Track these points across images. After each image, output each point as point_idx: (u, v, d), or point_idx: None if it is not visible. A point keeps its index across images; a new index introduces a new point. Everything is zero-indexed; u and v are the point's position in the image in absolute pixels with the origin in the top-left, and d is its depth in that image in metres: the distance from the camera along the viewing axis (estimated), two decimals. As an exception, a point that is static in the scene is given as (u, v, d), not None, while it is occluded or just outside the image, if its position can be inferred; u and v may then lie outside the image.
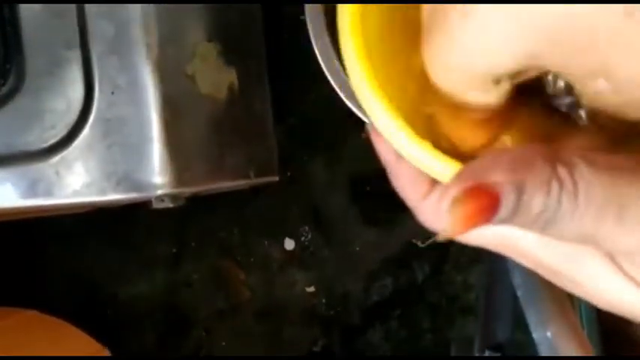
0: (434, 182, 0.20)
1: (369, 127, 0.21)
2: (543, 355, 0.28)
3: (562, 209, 0.15)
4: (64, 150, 0.38)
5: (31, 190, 0.39)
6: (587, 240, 0.16)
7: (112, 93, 0.38)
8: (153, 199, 0.41)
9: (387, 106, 0.19)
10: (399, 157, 0.20)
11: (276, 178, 0.56)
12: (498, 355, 0.42)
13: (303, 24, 0.40)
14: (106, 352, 0.58)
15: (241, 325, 0.62)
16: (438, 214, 0.20)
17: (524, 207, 0.15)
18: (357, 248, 0.62)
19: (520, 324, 0.52)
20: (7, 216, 0.45)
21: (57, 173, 0.38)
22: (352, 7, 0.19)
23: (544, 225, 0.15)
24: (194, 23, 0.41)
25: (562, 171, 0.15)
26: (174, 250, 0.61)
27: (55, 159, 0.38)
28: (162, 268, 0.61)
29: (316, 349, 0.62)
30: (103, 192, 0.39)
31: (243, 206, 0.62)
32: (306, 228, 0.62)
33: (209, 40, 0.42)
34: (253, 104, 0.48)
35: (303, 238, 0.62)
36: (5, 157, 0.37)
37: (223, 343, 0.62)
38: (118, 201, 0.39)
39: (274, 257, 0.62)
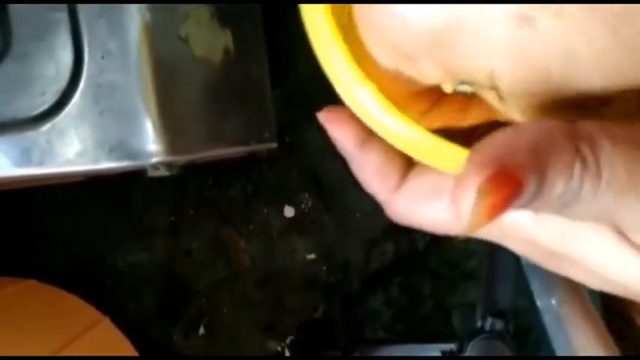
0: (404, 172, 0.19)
1: (321, 116, 0.19)
2: (547, 322, 0.27)
3: (583, 191, 0.14)
4: (54, 117, 0.37)
5: (23, 158, 0.38)
6: (602, 219, 0.15)
7: (102, 58, 0.37)
8: (148, 168, 0.40)
9: (358, 72, 0.17)
10: (363, 144, 0.18)
11: (275, 145, 0.54)
12: (501, 322, 0.42)
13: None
14: (106, 320, 0.58)
15: (242, 293, 0.61)
16: (411, 210, 0.19)
17: (545, 191, 0.13)
18: (358, 215, 0.61)
19: (523, 291, 0.52)
20: (0, 186, 0.44)
21: (48, 141, 0.37)
22: None
23: (561, 207, 0.14)
24: (186, -16, 0.39)
25: (585, 149, 0.14)
26: (172, 219, 0.61)
27: (46, 127, 0.37)
28: (161, 237, 0.61)
29: (317, 315, 0.62)
30: (96, 160, 0.38)
31: (241, 174, 0.61)
32: (306, 195, 0.61)
33: (203, 1, 0.41)
34: (250, 68, 0.47)
35: (302, 206, 0.61)
36: (-6, 125, 0.36)
37: (224, 310, 0.62)
38: (111, 169, 0.38)
39: (274, 225, 0.61)
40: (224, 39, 0.42)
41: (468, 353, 0.43)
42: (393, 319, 0.62)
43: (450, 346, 0.45)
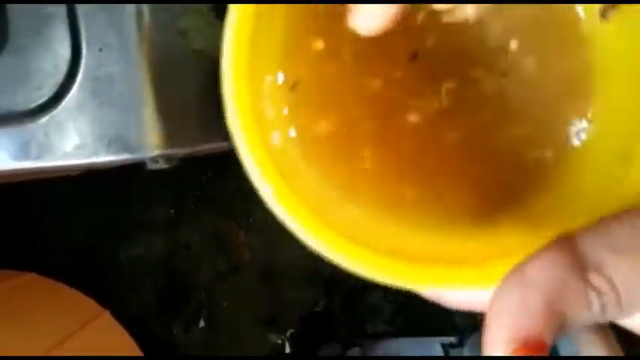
0: None
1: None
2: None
3: (608, 311, 0.14)
4: (52, 110, 0.37)
5: (20, 152, 0.37)
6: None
7: (100, 50, 0.36)
8: (147, 161, 0.39)
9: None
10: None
11: (274, 138, 0.54)
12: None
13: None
14: (107, 314, 0.58)
15: (242, 287, 0.61)
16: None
17: (570, 327, 0.14)
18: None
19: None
20: (-1, 179, 0.44)
21: (46, 135, 0.37)
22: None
23: (596, 320, 0.15)
24: (185, -24, 0.39)
25: (594, 278, 0.14)
26: (172, 212, 0.61)
27: (44, 120, 0.37)
28: (161, 230, 0.61)
29: (318, 309, 0.62)
30: (95, 153, 0.38)
31: (241, 167, 0.60)
32: (306, 189, 0.61)
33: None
34: (249, 61, 0.47)
35: (302, 199, 0.61)
36: (-8, 118, 0.36)
37: (224, 304, 0.62)
38: (110, 162, 0.38)
39: (274, 219, 0.61)
40: (222, 32, 0.42)
41: (468, 347, 0.43)
42: (393, 313, 0.62)
43: (450, 340, 0.45)
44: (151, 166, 0.40)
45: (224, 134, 0.46)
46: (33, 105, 0.37)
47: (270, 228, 0.61)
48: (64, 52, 0.36)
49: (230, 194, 0.61)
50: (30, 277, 0.56)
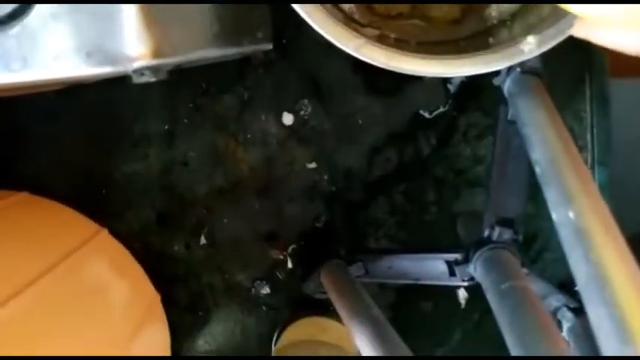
0: None
1: None
2: (563, 237, 0.25)
3: None
4: (23, 18, 0.33)
5: (-8, 65, 0.34)
6: None
7: (70, -52, 0.33)
8: (131, 73, 0.36)
9: None
10: None
11: (270, 46, 0.51)
12: (510, 232, 0.40)
13: None
14: (105, 232, 0.57)
15: (242, 203, 0.60)
16: None
17: None
18: (360, 121, 0.59)
19: (533, 199, 0.50)
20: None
21: (19, 46, 0.34)
22: None
23: None
24: None
25: None
26: (166, 128, 0.58)
27: (15, 29, 0.34)
28: (156, 146, 0.59)
29: (319, 224, 0.61)
30: (74, 66, 0.35)
31: (235, 79, 0.57)
32: (305, 101, 0.58)
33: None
34: (240, -39, 0.43)
35: (302, 112, 0.58)
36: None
37: (225, 221, 0.61)
38: (91, 76, 0.35)
39: (272, 133, 0.58)
40: None
41: (473, 263, 0.42)
42: (396, 227, 0.61)
43: (455, 256, 0.44)
44: (137, 79, 0.37)
45: (214, 41, 0.42)
46: (1, 13, 0.33)
47: (268, 143, 0.59)
48: (30, -50, 0.32)
49: (225, 108, 0.58)
50: (22, 196, 0.54)
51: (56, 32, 0.34)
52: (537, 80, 0.39)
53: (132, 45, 0.34)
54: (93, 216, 0.57)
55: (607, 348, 0.22)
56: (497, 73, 0.43)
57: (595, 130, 0.57)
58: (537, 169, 0.30)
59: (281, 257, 0.61)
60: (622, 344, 0.22)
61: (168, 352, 0.60)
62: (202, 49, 0.39)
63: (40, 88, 0.44)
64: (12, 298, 0.41)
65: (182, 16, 0.37)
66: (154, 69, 0.36)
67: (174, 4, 0.36)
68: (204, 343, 0.64)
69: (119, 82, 0.41)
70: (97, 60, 0.34)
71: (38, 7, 0.33)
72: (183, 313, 0.63)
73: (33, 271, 0.46)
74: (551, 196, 0.27)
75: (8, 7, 0.33)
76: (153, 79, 0.38)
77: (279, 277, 0.62)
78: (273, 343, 0.62)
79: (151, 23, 0.34)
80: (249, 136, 0.59)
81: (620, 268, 0.23)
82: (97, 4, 0.33)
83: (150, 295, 0.59)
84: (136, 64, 0.35)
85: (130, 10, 0.34)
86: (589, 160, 0.58)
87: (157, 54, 0.35)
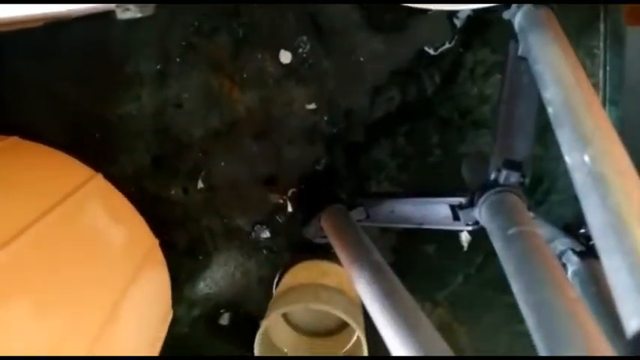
0: None
1: None
2: (578, 181, 0.24)
3: None
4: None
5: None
6: None
7: None
8: (115, 9, 0.34)
9: None
10: None
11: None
12: (517, 175, 0.38)
13: None
14: (99, 177, 0.55)
15: (239, 146, 0.58)
16: None
17: None
18: (361, 58, 0.56)
19: (540, 139, 0.48)
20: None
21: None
22: None
23: None
24: None
25: None
26: (158, 67, 0.56)
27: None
28: (148, 86, 0.56)
29: (319, 167, 0.59)
30: None
31: (230, 16, 0.54)
32: (304, 38, 0.55)
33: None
34: None
35: (300, 50, 0.56)
36: None
37: (222, 164, 0.59)
38: (71, 11, 0.33)
39: (269, 72, 0.56)
40: None
41: (478, 207, 0.40)
42: (397, 169, 0.59)
43: (460, 200, 0.43)
44: (122, 15, 0.35)
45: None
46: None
47: (265, 83, 0.56)
48: None
49: (220, 47, 0.55)
50: (12, 141, 0.53)
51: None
52: (550, 14, 0.37)
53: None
54: (86, 160, 0.55)
55: (624, 299, 0.21)
56: (507, 6, 0.40)
57: (608, 68, 0.55)
58: (550, 110, 0.28)
59: (281, 201, 0.60)
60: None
61: (168, 296, 0.60)
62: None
63: (17, 25, 0.41)
64: (10, 242, 0.40)
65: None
66: (138, 2, 0.33)
67: None
68: (204, 286, 0.63)
69: (104, 19, 0.39)
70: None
71: None
72: (184, 257, 0.62)
73: (28, 215, 0.45)
74: (565, 138, 0.25)
75: None
76: (139, 15, 0.35)
77: (279, 220, 0.61)
78: (274, 286, 0.61)
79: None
80: (245, 75, 0.56)
81: (639, 215, 0.21)
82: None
83: (148, 239, 0.58)
84: (119, -2, 0.32)
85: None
86: (600, 98, 0.56)
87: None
